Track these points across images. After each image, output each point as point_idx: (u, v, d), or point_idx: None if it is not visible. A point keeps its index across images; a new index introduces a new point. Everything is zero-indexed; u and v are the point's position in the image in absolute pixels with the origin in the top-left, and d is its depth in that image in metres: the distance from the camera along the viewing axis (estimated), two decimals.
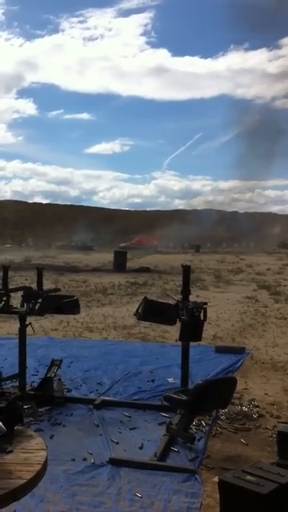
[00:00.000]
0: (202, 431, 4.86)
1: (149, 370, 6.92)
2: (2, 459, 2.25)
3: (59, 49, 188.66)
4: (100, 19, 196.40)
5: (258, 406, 5.62)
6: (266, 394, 6.11)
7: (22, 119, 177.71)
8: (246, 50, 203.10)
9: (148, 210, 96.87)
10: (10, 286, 6.08)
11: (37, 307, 5.67)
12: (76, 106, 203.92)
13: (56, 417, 5.16)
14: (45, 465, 2.28)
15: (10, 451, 2.31)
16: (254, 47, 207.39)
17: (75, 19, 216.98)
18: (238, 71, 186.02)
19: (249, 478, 3.21)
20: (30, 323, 5.80)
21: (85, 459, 4.21)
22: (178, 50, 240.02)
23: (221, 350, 7.99)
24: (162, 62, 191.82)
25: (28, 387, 5.81)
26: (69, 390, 6.00)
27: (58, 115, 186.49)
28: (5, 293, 5.80)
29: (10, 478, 2.13)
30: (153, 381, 6.44)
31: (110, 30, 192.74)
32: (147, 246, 60.20)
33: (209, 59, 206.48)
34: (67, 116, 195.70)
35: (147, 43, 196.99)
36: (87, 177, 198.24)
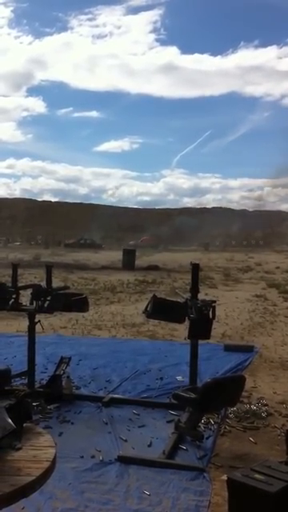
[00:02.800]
0: (210, 429, 4.86)
1: (157, 368, 6.93)
2: (11, 456, 2.26)
3: (68, 46, 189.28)
4: (109, 16, 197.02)
5: (266, 405, 5.60)
6: (274, 393, 6.10)
7: (31, 117, 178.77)
8: (256, 47, 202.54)
9: (157, 207, 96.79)
10: (20, 284, 6.10)
11: (46, 305, 5.69)
12: (85, 103, 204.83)
13: (65, 414, 5.17)
14: (54, 462, 2.28)
15: (19, 448, 2.31)
16: (264, 44, 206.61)
17: (84, 17, 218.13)
18: (248, 68, 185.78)
19: (257, 476, 3.21)
20: (39, 321, 5.81)
21: (93, 457, 4.22)
22: (187, 48, 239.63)
23: (229, 349, 7.98)
24: (171, 60, 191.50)
25: (37, 384, 5.82)
26: (77, 388, 6.01)
27: (67, 113, 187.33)
28: (14, 290, 5.82)
29: (18, 475, 2.13)
30: (161, 379, 6.44)
31: (119, 27, 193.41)
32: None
33: (218, 57, 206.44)
34: (76, 114, 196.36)
35: (156, 40, 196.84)
36: (96, 175, 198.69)
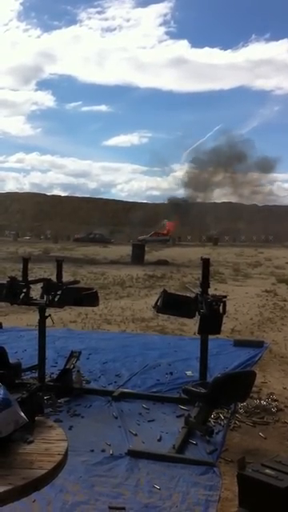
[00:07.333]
0: (220, 424, 4.86)
1: (167, 362, 6.93)
2: (23, 449, 2.27)
3: (77, 40, 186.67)
4: (118, 9, 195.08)
5: (276, 400, 5.59)
6: (284, 388, 6.09)
7: (40, 111, 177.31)
8: (267, 40, 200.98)
9: (166, 202, 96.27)
10: (30, 278, 6.12)
11: (56, 299, 5.71)
12: (94, 97, 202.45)
13: (75, 408, 5.19)
14: (65, 455, 2.29)
15: (31, 441, 2.32)
16: (276, 38, 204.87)
17: (93, 10, 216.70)
18: (258, 62, 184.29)
19: (268, 471, 3.20)
20: (50, 315, 5.83)
21: (103, 450, 4.24)
22: (197, 41, 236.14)
23: (239, 344, 7.97)
24: (181, 53, 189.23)
25: (47, 378, 5.85)
26: (87, 382, 6.03)
27: (77, 107, 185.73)
28: (25, 284, 5.83)
29: (30, 468, 2.14)
30: (171, 373, 6.45)
31: (129, 20, 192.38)
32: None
33: (228, 50, 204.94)
34: (85, 108, 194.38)
35: (166, 34, 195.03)
36: (105, 169, 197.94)
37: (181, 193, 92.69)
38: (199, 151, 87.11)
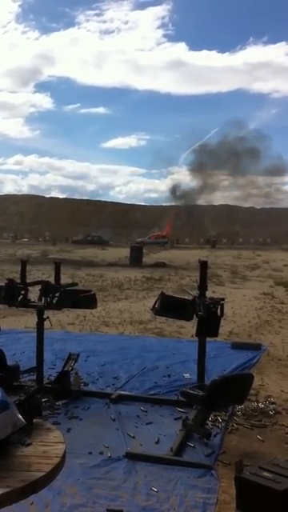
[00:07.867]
0: (218, 427, 4.86)
1: (165, 365, 6.93)
2: (21, 452, 2.27)
3: (75, 42, 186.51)
4: (116, 12, 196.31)
5: (274, 403, 5.60)
6: (282, 391, 6.09)
7: (38, 113, 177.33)
8: (265, 43, 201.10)
9: (164, 205, 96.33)
10: (28, 280, 6.11)
11: (54, 301, 5.71)
12: (92, 100, 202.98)
13: (73, 410, 5.19)
14: (63, 458, 2.30)
15: (29, 444, 2.33)
16: (273, 41, 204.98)
17: (91, 12, 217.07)
18: (256, 65, 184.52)
19: (265, 474, 3.21)
20: (48, 317, 5.83)
21: (101, 453, 4.24)
22: (195, 44, 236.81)
23: (237, 346, 7.98)
24: (179, 56, 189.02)
25: (45, 380, 5.85)
26: (85, 384, 6.03)
27: (75, 109, 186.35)
28: (23, 287, 5.83)
29: (28, 471, 2.14)
30: (169, 376, 6.45)
31: (127, 22, 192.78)
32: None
33: (226, 53, 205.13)
34: (84, 110, 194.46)
35: (164, 36, 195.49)
36: (104, 171, 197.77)
37: (181, 190, 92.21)
38: (199, 152, 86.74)
